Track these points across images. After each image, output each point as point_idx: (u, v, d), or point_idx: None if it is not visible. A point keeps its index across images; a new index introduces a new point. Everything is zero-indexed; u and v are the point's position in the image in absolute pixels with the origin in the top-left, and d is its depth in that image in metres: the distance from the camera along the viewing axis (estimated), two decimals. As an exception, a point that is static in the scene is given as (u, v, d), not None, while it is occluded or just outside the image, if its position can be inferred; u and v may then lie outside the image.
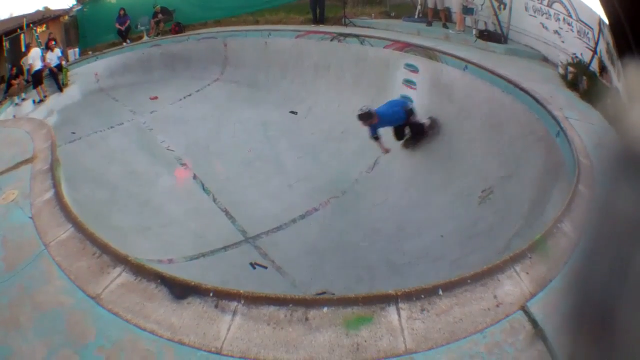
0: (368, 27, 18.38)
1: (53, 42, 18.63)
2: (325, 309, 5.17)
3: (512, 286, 5.52)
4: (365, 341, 4.91)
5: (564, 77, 11.98)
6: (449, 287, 5.41)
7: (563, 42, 12.98)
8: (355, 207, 11.50)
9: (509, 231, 8.79)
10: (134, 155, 14.14)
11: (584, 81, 11.15)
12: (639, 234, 1.04)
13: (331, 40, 16.81)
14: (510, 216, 9.22)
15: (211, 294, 5.30)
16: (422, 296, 5.29)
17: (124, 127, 15.93)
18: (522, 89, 10.71)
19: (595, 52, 11.17)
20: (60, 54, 18.61)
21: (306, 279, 9.42)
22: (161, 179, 12.98)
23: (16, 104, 16.54)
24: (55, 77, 18.08)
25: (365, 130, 12.10)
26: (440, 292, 5.34)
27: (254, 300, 5.28)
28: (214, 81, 18.91)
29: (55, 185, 7.90)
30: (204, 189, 12.54)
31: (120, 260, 5.94)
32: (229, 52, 19.71)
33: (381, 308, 5.19)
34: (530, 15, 14.33)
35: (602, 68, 10.74)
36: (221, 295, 5.30)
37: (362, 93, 14.79)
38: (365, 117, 11.62)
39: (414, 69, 14.01)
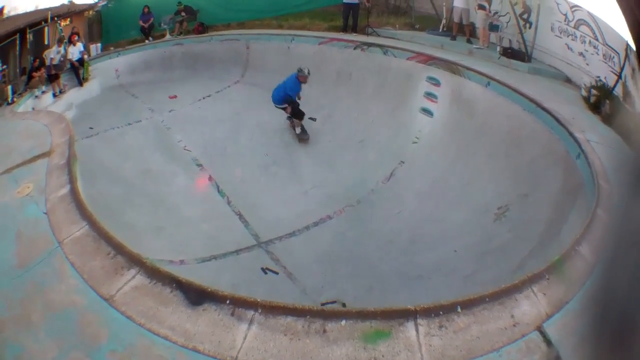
0: (392, 38, 18.34)
1: (76, 37, 18.61)
2: (343, 322, 5.15)
3: (529, 306, 5.50)
4: (383, 356, 4.88)
5: (586, 99, 11.91)
6: (468, 304, 5.40)
7: (587, 64, 12.90)
8: (370, 217, 11.46)
9: (523, 250, 8.74)
10: (151, 154, 14.07)
11: (606, 105, 11.11)
12: None
13: (354, 48, 16.79)
14: (525, 235, 9.14)
15: (228, 302, 5.24)
16: (441, 313, 5.28)
17: (142, 125, 15.88)
18: (544, 109, 10.71)
19: (620, 76, 11.12)
20: (82, 49, 18.55)
21: (317, 287, 9.40)
22: (177, 179, 12.92)
23: (36, 96, 16.49)
24: (76, 71, 18.04)
25: (383, 141, 12.74)
26: (459, 310, 5.34)
27: (272, 309, 5.24)
28: (235, 83, 18.85)
29: (72, 181, 7.85)
30: (219, 191, 12.50)
31: (135, 261, 5.86)
32: (251, 55, 19.67)
33: (400, 323, 5.17)
34: (556, 35, 14.27)
35: (626, 93, 10.70)
36: (238, 303, 5.25)
37: (382, 103, 14.83)
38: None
39: (436, 82, 13.98)
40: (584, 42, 13.08)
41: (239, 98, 17.57)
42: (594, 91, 11.74)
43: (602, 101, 11.32)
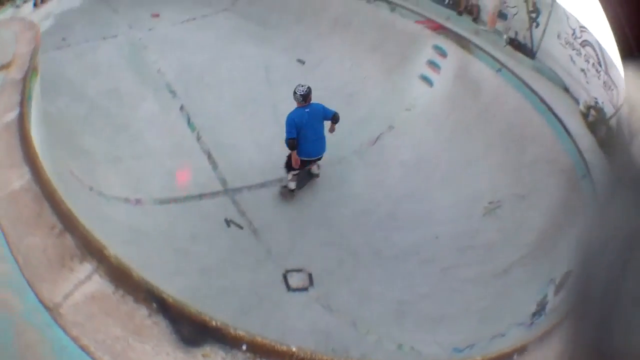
0: (393, -4, 17.94)
1: None
2: None
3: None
4: None
5: (584, 115, 11.55)
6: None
7: (587, 83, 12.42)
8: (349, 181, 11.05)
9: (511, 255, 8.52)
10: (121, 72, 13.39)
11: (603, 129, 10.78)
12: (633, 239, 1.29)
13: (358, -3, 16.15)
14: (515, 239, 8.88)
15: (244, 348, 3.59)
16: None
17: (117, 41, 15.17)
18: (555, 115, 10.53)
19: (617, 110, 10.79)
20: None
21: (283, 250, 9.04)
22: (145, 104, 12.27)
23: (17, 5, 15.63)
24: None
25: (374, 100, 12.72)
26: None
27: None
28: (223, 10, 18.05)
29: (22, 104, 6.62)
30: (189, 123, 11.89)
31: (91, 250, 4.14)
32: (247, -16, 18.99)
33: None
34: (561, 44, 13.81)
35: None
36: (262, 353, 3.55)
37: (379, 61, 14.20)
38: (305, 93, 10.32)
39: (442, 53, 13.47)
40: (587, 61, 12.60)
41: (226, 27, 16.87)
42: (592, 111, 11.39)
43: (599, 123, 10.99)
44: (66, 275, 3.95)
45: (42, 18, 15.11)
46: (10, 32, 9.85)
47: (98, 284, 3.86)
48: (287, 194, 10.51)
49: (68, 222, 4.36)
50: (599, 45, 12.04)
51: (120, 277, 3.91)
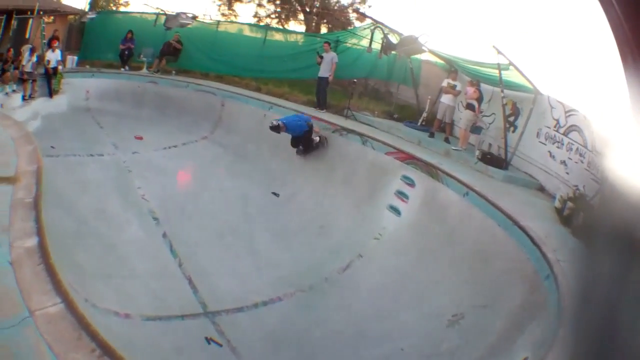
0: (369, 125, 19.05)
1: (56, 43, 19.33)
2: None
3: None
4: None
5: (559, 211, 12.46)
6: None
7: (568, 173, 13.61)
8: (320, 305, 11.73)
9: (472, 355, 9.22)
10: (108, 193, 14.50)
11: (580, 216, 11.59)
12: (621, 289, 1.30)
13: (333, 132, 17.49)
14: (476, 342, 9.57)
15: None
16: None
17: (104, 160, 16.40)
18: (520, 227, 11.08)
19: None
20: (60, 57, 19.44)
21: None
22: (131, 228, 13.25)
23: (7, 93, 17.12)
24: (49, 80, 18.82)
25: (345, 231, 13.65)
26: None
27: None
28: (202, 138, 19.41)
29: (40, 234, 7.32)
30: (171, 250, 12.80)
31: None
32: (224, 113, 20.36)
33: None
34: (540, 142, 15.10)
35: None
36: None
37: (350, 192, 15.40)
38: (275, 130, 16.54)
39: (411, 183, 14.52)
40: (570, 149, 13.82)
41: (206, 156, 18.16)
42: (569, 203, 12.22)
43: (576, 213, 11.82)
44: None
45: (30, 117, 16.61)
46: (7, 135, 11.14)
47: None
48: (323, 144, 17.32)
49: (106, 349, 5.35)
50: (588, 122, 13.17)
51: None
